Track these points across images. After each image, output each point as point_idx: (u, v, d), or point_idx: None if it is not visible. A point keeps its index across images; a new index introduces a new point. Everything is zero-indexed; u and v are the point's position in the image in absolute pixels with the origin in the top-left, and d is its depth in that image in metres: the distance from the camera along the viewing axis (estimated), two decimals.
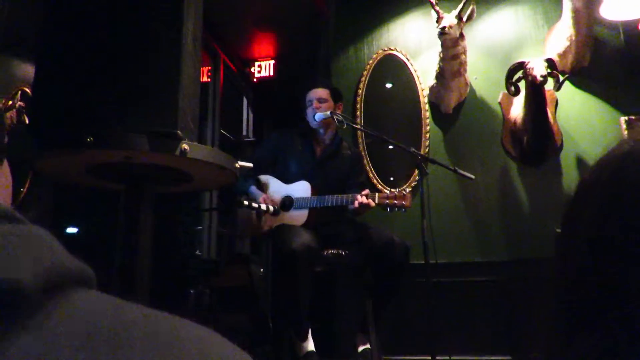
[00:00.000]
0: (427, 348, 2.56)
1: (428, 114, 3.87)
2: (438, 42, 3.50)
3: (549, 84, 3.24)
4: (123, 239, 1.35)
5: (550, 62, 3.20)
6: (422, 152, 3.62)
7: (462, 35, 3.50)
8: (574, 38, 3.45)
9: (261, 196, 2.85)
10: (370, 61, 4.04)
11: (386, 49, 4.04)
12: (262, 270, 3.39)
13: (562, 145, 3.58)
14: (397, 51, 4.01)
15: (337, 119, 2.88)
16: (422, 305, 2.72)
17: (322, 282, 3.12)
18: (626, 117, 3.47)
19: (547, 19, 3.80)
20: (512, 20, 3.89)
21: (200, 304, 3.05)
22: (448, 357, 2.81)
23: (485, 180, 3.64)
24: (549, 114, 3.43)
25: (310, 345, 2.55)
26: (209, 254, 4.42)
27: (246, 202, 2.60)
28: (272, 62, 5.38)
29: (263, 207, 2.67)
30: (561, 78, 3.26)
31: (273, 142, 3.12)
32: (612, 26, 3.62)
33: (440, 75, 3.66)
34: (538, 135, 3.43)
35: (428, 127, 3.83)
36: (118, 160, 1.27)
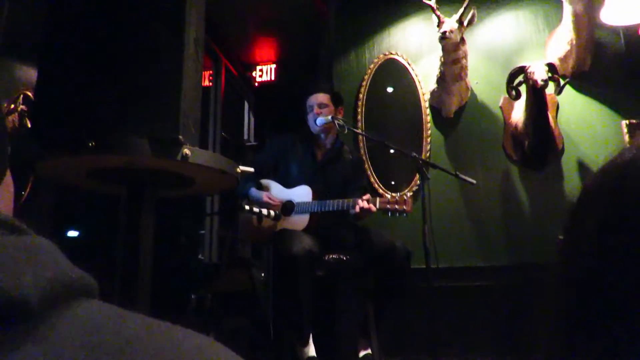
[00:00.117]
0: (429, 353, 2.56)
1: (429, 118, 3.87)
2: (439, 47, 3.51)
3: (550, 88, 3.24)
4: (124, 243, 1.35)
5: (551, 66, 3.20)
6: (423, 157, 3.62)
7: (463, 40, 3.50)
8: (574, 42, 3.45)
9: (263, 194, 2.85)
10: (372, 65, 4.04)
11: (387, 53, 4.04)
12: (263, 274, 3.39)
13: (563, 149, 3.58)
14: (398, 55, 4.01)
15: (338, 123, 2.88)
16: (424, 310, 2.71)
17: (323, 286, 3.11)
18: (627, 121, 3.47)
19: (548, 23, 3.80)
20: (513, 24, 3.90)
21: (202, 308, 3.05)
22: None
23: (486, 184, 3.64)
24: (550, 118, 3.43)
25: (311, 350, 2.54)
26: (210, 258, 4.42)
27: (247, 207, 2.60)
28: (273, 66, 5.40)
29: (264, 211, 2.67)
30: (562, 82, 3.27)
31: (274, 147, 3.12)
32: (613, 31, 3.63)
33: (441, 80, 3.66)
34: (539, 139, 3.43)
35: (429, 132, 3.83)
36: (119, 164, 1.27)
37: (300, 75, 5.14)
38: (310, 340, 2.56)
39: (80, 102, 1.24)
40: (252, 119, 5.60)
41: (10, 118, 2.13)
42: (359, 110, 3.96)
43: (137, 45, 1.26)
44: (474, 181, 2.75)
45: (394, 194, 2.70)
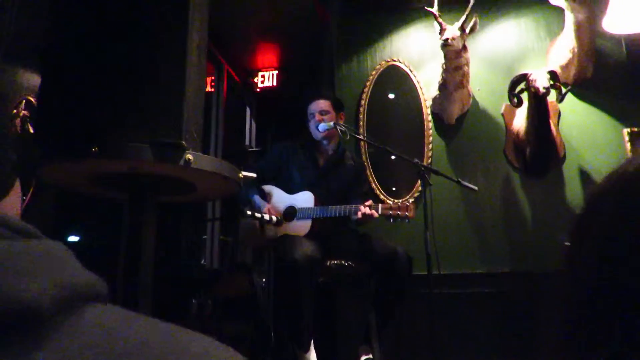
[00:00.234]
0: (430, 359, 2.55)
1: (431, 124, 3.87)
2: (441, 54, 3.52)
3: (552, 96, 3.25)
4: (126, 248, 1.35)
5: (552, 74, 3.21)
6: (424, 163, 3.62)
7: (465, 47, 3.51)
8: (576, 50, 3.46)
9: (265, 206, 2.85)
10: (373, 72, 4.05)
11: (389, 59, 4.05)
12: (264, 280, 3.38)
13: (564, 156, 3.58)
14: (400, 62, 4.02)
15: (340, 129, 2.89)
16: (425, 316, 2.71)
17: (325, 292, 3.11)
18: (629, 129, 3.47)
19: (549, 31, 3.81)
20: (515, 32, 3.91)
21: (202, 313, 3.05)
22: None
23: (488, 191, 3.64)
24: (552, 126, 3.44)
25: (312, 356, 2.54)
26: (212, 263, 4.42)
27: (249, 212, 2.60)
28: (275, 72, 5.41)
29: (266, 217, 2.67)
30: (564, 90, 3.27)
31: (276, 153, 3.13)
32: (615, 39, 3.64)
33: (443, 87, 3.67)
34: (541, 146, 3.43)
35: (431, 138, 3.84)
36: (122, 170, 1.28)
37: (302, 81, 5.15)
38: (312, 346, 2.56)
39: (83, 107, 1.25)
40: (254, 125, 5.61)
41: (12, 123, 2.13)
42: (361, 116, 3.97)
43: (140, 51, 1.27)
44: (476, 188, 2.76)
45: (396, 200, 2.70)
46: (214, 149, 4.67)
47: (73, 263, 0.33)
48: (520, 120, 3.59)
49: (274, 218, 2.71)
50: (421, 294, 2.72)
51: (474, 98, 3.84)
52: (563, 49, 3.55)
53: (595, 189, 0.52)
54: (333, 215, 2.72)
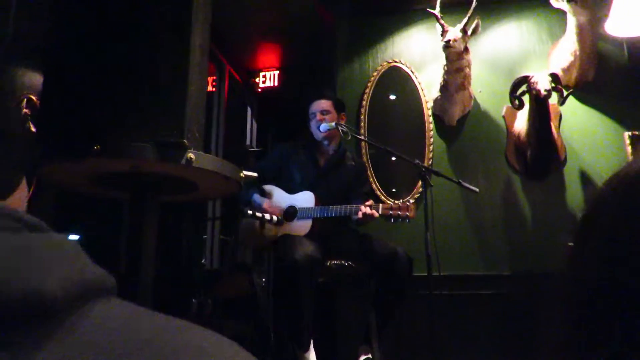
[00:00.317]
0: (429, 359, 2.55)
1: (432, 126, 3.87)
2: (442, 55, 3.52)
3: (553, 98, 3.25)
4: (127, 247, 1.35)
5: (554, 77, 3.21)
6: (425, 164, 3.62)
7: (466, 49, 3.51)
8: (578, 53, 3.46)
9: (264, 203, 2.86)
10: (375, 73, 4.05)
11: (391, 61, 4.05)
12: (264, 279, 3.38)
13: (565, 159, 3.58)
14: (401, 63, 4.02)
15: (342, 130, 2.89)
16: (425, 317, 2.71)
17: (325, 292, 3.11)
18: (630, 133, 3.47)
19: (551, 34, 3.81)
20: (517, 34, 3.91)
21: (202, 313, 3.05)
22: None
23: (488, 193, 3.64)
24: (553, 128, 3.44)
25: (312, 356, 2.54)
26: (212, 263, 4.42)
27: (250, 212, 2.60)
28: (276, 72, 5.41)
29: (267, 216, 2.67)
30: (565, 93, 3.27)
31: (277, 153, 3.13)
32: (617, 42, 3.64)
33: (444, 88, 3.67)
34: (542, 149, 3.43)
35: (432, 140, 3.84)
36: (124, 169, 1.28)
37: (304, 81, 5.15)
38: (311, 346, 2.56)
39: (85, 107, 1.25)
40: (255, 125, 5.61)
41: None
42: (362, 117, 3.97)
43: (142, 51, 1.27)
44: (477, 189, 2.76)
45: (396, 201, 2.71)
46: (215, 149, 4.67)
47: (84, 258, 0.33)
48: (521, 123, 3.59)
49: (275, 218, 2.71)
50: (421, 295, 2.72)
51: (475, 100, 3.84)
52: (565, 51, 3.56)
53: (599, 191, 0.52)
54: (333, 215, 2.72)
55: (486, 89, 3.85)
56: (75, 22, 1.30)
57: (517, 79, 3.33)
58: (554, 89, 3.17)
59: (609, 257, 0.47)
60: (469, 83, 3.69)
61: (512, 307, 3.32)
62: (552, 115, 3.42)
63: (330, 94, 3.21)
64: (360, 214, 2.62)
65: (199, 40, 1.34)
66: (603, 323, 0.45)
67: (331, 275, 2.83)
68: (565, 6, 3.30)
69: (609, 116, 3.60)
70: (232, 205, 4.19)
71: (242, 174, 1.45)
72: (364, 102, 4.00)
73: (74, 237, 3.11)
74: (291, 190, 2.92)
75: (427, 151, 3.81)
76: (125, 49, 1.27)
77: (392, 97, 4.08)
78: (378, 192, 3.79)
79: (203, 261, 4.37)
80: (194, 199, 1.68)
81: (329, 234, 2.85)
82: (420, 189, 3.68)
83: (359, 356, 2.71)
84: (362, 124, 3.96)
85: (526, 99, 3.35)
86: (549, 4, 3.42)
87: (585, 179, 3.54)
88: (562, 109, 3.57)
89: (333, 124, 2.90)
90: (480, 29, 3.42)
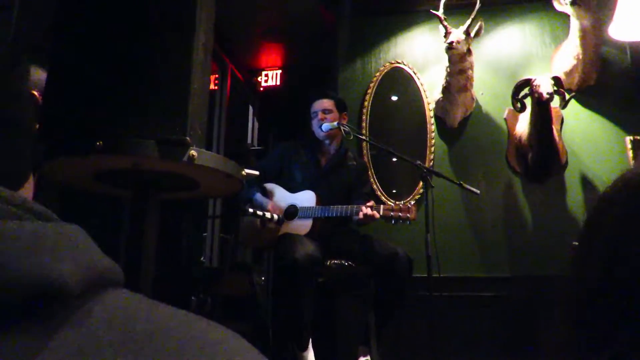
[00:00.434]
0: None
1: (434, 127, 3.88)
2: (445, 57, 3.52)
3: (555, 102, 3.25)
4: (128, 245, 1.35)
5: (556, 80, 3.21)
6: (426, 166, 3.62)
7: (469, 51, 3.52)
8: (580, 57, 3.46)
9: (267, 203, 2.86)
10: (377, 74, 4.06)
11: (393, 62, 4.06)
12: (263, 279, 3.39)
13: (566, 163, 3.59)
14: (404, 64, 4.03)
15: (344, 130, 2.89)
16: (424, 318, 2.71)
17: (324, 292, 3.11)
18: (631, 137, 3.47)
19: (554, 37, 3.81)
20: (519, 37, 3.91)
21: (202, 311, 3.05)
22: None
23: (489, 195, 3.64)
24: (555, 132, 3.44)
25: (310, 356, 2.54)
26: (211, 261, 4.42)
27: (251, 210, 2.60)
28: (278, 71, 5.41)
29: (267, 215, 2.67)
30: (567, 96, 3.27)
31: (279, 152, 3.13)
32: (619, 47, 3.64)
33: (446, 90, 3.67)
34: (543, 152, 3.43)
35: (433, 141, 3.84)
36: (126, 166, 1.28)
37: (306, 81, 5.15)
38: (310, 346, 2.56)
39: (88, 103, 1.25)
40: (256, 124, 5.61)
41: None
42: (364, 117, 3.98)
43: (146, 48, 1.27)
44: (478, 191, 2.76)
45: (397, 202, 2.71)
46: (216, 148, 4.67)
47: (94, 247, 0.34)
48: (522, 126, 3.59)
49: (275, 217, 2.71)
50: (421, 296, 2.72)
51: (477, 102, 3.84)
52: (567, 55, 3.56)
53: (604, 192, 0.52)
54: (334, 215, 2.72)
55: (488, 91, 3.85)
56: (79, 20, 1.31)
57: (520, 81, 3.33)
58: (556, 92, 3.17)
59: (612, 258, 0.47)
60: (471, 85, 3.69)
61: (512, 309, 3.32)
62: (554, 119, 3.42)
63: (333, 94, 3.21)
64: (361, 215, 2.62)
65: (202, 38, 1.34)
66: (605, 323, 0.45)
67: (331, 275, 2.83)
68: (568, 9, 3.30)
69: (611, 120, 3.60)
70: (232, 203, 4.19)
71: (243, 173, 1.45)
72: (366, 103, 4.01)
73: None
74: (292, 189, 2.93)
75: (428, 152, 3.81)
76: (128, 46, 1.27)
77: (394, 98, 4.09)
78: (379, 193, 3.79)
79: (202, 259, 4.38)
80: (195, 197, 1.68)
81: (330, 234, 2.85)
82: (421, 190, 3.69)
83: (358, 357, 2.71)
84: (363, 124, 3.96)
85: (528, 102, 3.35)
86: (553, 7, 3.43)
87: (586, 182, 3.54)
88: (564, 112, 3.57)
89: (335, 123, 2.90)
90: (483, 31, 3.43)
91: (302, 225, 2.77)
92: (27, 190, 0.44)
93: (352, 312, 3.37)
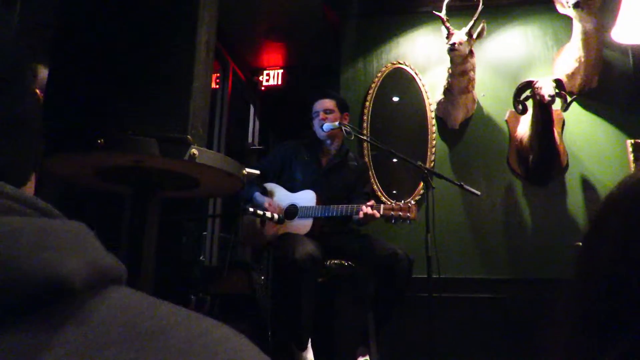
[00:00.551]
0: None
1: (435, 128, 3.87)
2: (447, 58, 3.52)
3: (557, 104, 3.25)
4: (128, 243, 1.35)
5: (558, 82, 3.20)
6: (427, 167, 3.62)
7: (471, 52, 3.51)
8: (583, 60, 3.46)
9: (266, 201, 2.86)
10: (379, 74, 4.05)
11: (395, 62, 4.05)
12: (263, 278, 3.39)
13: (567, 165, 3.58)
14: (406, 65, 4.02)
15: (345, 130, 2.89)
16: (423, 319, 2.71)
17: (324, 292, 3.11)
18: (632, 141, 3.47)
19: (557, 40, 3.81)
20: (522, 39, 3.91)
21: (201, 310, 3.05)
22: None
23: (489, 197, 3.64)
24: (556, 134, 3.44)
25: (309, 355, 2.54)
26: (211, 260, 4.42)
27: (251, 209, 2.60)
28: (280, 71, 5.41)
29: (267, 214, 2.67)
30: (569, 99, 3.27)
31: (280, 152, 3.13)
32: (622, 50, 3.64)
33: (448, 91, 3.67)
34: (544, 154, 3.43)
35: (434, 142, 3.84)
36: (127, 163, 1.28)
37: (308, 81, 5.16)
38: (309, 345, 2.56)
39: (90, 100, 1.25)
40: (257, 123, 5.61)
41: None
42: (365, 117, 3.97)
43: (148, 46, 1.27)
44: (479, 192, 2.75)
45: (398, 202, 2.70)
46: (217, 146, 4.67)
47: (98, 244, 0.34)
48: (524, 128, 3.59)
49: (276, 216, 2.71)
50: (420, 297, 2.72)
51: (478, 104, 3.84)
52: (570, 58, 3.55)
53: (610, 193, 0.52)
54: (335, 214, 2.72)
55: (490, 93, 3.85)
56: (83, 17, 1.31)
57: (521, 83, 3.33)
58: (557, 94, 3.16)
59: (618, 258, 0.47)
60: (473, 87, 3.69)
61: (510, 311, 3.32)
62: (555, 121, 3.41)
63: (335, 94, 3.21)
64: (361, 214, 2.62)
65: (205, 37, 1.34)
66: (610, 324, 0.45)
67: (331, 275, 2.83)
68: (571, 12, 3.30)
69: (612, 123, 3.60)
70: (232, 202, 4.19)
71: (244, 172, 1.45)
72: (367, 103, 4.00)
73: None
74: (293, 189, 2.93)
75: (429, 153, 3.81)
76: (131, 44, 1.27)
77: (396, 98, 4.08)
78: (379, 193, 3.79)
79: (202, 258, 4.38)
80: (196, 195, 1.68)
81: (330, 234, 2.85)
82: (422, 191, 3.69)
83: (356, 356, 2.71)
84: (365, 124, 3.96)
85: (530, 104, 3.34)
86: (555, 10, 3.42)
87: (586, 185, 3.54)
88: (565, 115, 3.56)
89: (336, 123, 2.90)
90: (485, 32, 3.42)
91: (303, 225, 2.77)
92: (29, 188, 0.44)
93: (352, 312, 3.37)
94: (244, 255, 4.63)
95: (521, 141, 3.61)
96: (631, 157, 3.45)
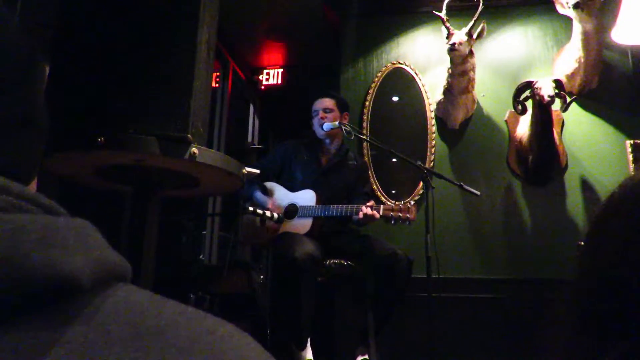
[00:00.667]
0: None
1: (434, 128, 3.88)
2: (447, 58, 3.52)
3: (556, 105, 3.25)
4: (128, 242, 1.35)
5: (558, 83, 3.20)
6: (427, 167, 3.62)
7: (471, 53, 3.51)
8: (582, 60, 3.46)
9: (268, 202, 2.86)
10: (379, 74, 4.05)
11: (395, 62, 4.05)
12: (262, 277, 3.39)
13: (566, 166, 3.59)
14: (406, 65, 4.02)
15: (345, 129, 2.89)
16: (422, 318, 2.71)
17: (323, 291, 3.11)
18: (632, 141, 3.47)
19: (557, 40, 3.82)
20: (522, 40, 3.91)
21: (200, 309, 3.05)
22: None
23: (489, 197, 3.64)
24: (555, 135, 3.44)
25: (308, 355, 2.55)
26: (210, 259, 4.42)
27: (251, 209, 2.60)
28: (280, 70, 5.41)
29: (267, 214, 2.67)
30: (568, 99, 3.27)
31: (279, 151, 3.13)
32: (622, 51, 3.64)
33: (448, 91, 3.67)
34: (543, 155, 3.43)
35: (434, 142, 3.84)
36: (128, 162, 1.28)
37: (308, 80, 5.15)
38: (308, 345, 2.56)
39: (91, 99, 1.25)
40: (257, 122, 5.61)
41: None
42: (365, 117, 3.97)
43: (149, 45, 1.27)
44: (479, 192, 2.75)
45: (397, 202, 2.70)
46: (217, 146, 4.67)
47: (103, 242, 0.34)
48: (523, 128, 3.59)
49: (275, 215, 2.71)
50: (420, 297, 2.72)
51: (478, 104, 3.84)
52: (569, 58, 3.56)
53: (612, 193, 0.52)
54: (334, 214, 2.72)
55: (490, 93, 3.85)
56: (84, 16, 1.31)
57: (521, 84, 3.33)
58: (557, 95, 3.16)
59: (619, 259, 0.47)
60: (473, 87, 3.69)
61: (511, 311, 3.32)
62: (555, 122, 3.42)
63: (334, 93, 3.21)
64: (361, 215, 2.62)
65: (205, 36, 1.34)
66: (612, 322, 0.45)
67: (330, 274, 2.83)
68: (571, 13, 3.30)
69: (611, 124, 3.60)
70: (232, 201, 4.19)
71: (244, 171, 1.45)
72: (367, 103, 4.00)
73: None
74: (292, 188, 2.93)
75: (428, 153, 3.81)
76: (131, 44, 1.27)
77: (396, 98, 4.08)
78: (379, 193, 3.79)
79: (202, 257, 4.38)
80: (196, 194, 1.69)
81: (329, 233, 2.85)
82: (421, 191, 3.69)
83: (356, 356, 2.71)
84: (364, 124, 3.96)
85: (529, 104, 3.35)
86: (555, 11, 3.43)
87: (585, 186, 3.55)
88: (565, 115, 3.57)
89: (336, 123, 2.90)
90: (485, 33, 3.42)
91: (302, 225, 2.77)
92: (31, 187, 0.44)
93: (351, 312, 3.37)
94: (244, 254, 4.63)
95: (521, 141, 3.61)
96: (630, 157, 3.45)
